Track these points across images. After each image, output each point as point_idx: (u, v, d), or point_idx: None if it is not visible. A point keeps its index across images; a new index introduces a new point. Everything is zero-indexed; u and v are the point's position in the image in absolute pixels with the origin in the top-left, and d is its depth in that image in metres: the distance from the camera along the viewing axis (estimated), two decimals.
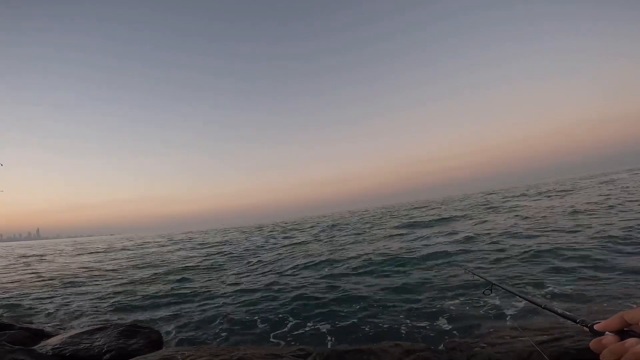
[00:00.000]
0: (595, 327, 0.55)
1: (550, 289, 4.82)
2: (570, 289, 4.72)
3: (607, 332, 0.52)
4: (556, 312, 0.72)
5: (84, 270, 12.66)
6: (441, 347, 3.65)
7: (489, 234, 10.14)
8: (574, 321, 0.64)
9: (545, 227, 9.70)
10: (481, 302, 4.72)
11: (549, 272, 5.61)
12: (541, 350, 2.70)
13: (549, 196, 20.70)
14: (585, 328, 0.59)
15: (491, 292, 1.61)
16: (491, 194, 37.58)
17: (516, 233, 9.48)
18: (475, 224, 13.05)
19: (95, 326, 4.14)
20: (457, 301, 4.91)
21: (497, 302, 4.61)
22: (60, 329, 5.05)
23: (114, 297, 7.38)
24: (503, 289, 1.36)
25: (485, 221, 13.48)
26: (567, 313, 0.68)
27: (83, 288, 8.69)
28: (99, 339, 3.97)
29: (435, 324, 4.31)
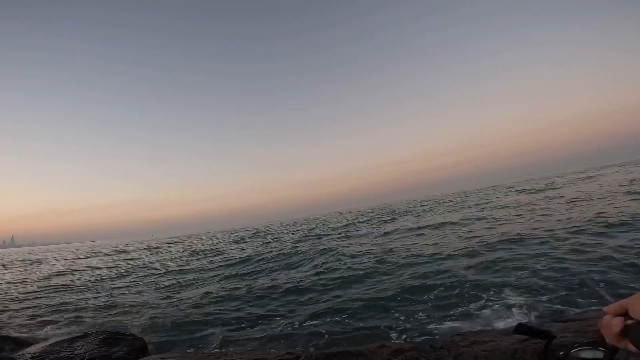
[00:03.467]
0: (604, 308, 0.69)
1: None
2: None
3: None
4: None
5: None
6: (428, 346, 3.67)
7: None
8: None
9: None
10: (467, 301, 4.77)
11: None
12: (523, 348, 2.73)
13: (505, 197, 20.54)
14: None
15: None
16: (459, 193, 37.21)
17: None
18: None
19: (77, 334, 4.03)
20: (442, 301, 4.94)
21: (483, 301, 4.66)
22: (41, 337, 4.89)
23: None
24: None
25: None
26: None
27: (67, 296, 8.44)
28: (80, 347, 3.86)
29: (421, 323, 4.33)
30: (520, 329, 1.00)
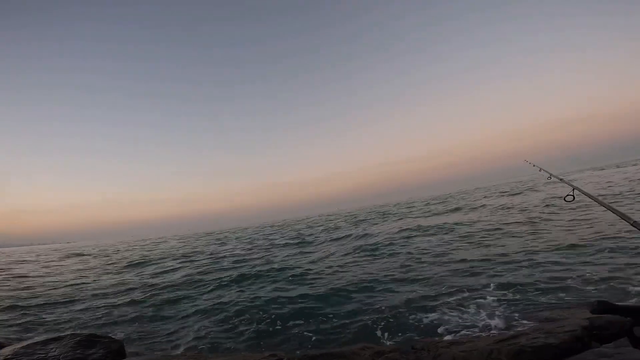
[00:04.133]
0: None
1: None
2: None
3: None
4: None
5: None
6: (410, 348, 3.71)
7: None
8: None
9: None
10: (447, 301, 4.86)
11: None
12: (499, 349, 2.80)
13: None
14: None
15: (574, 198, 1.48)
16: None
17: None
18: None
19: (50, 336, 3.89)
20: (422, 302, 5.02)
21: (462, 302, 4.76)
22: (13, 339, 4.70)
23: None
24: (587, 194, 1.22)
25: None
26: None
27: (39, 299, 8.12)
28: (54, 349, 3.72)
29: (402, 325, 4.39)
30: (599, 307, 0.70)
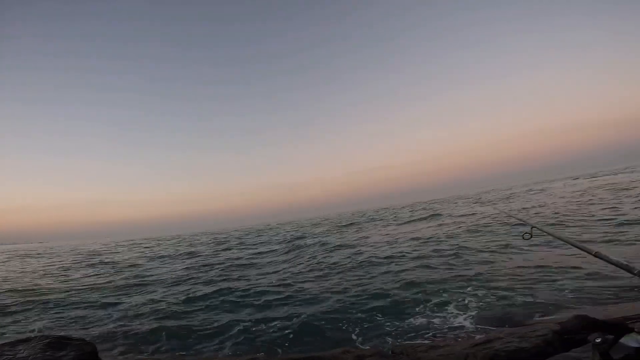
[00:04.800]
0: None
1: None
2: None
3: None
4: (609, 261, 0.65)
5: None
6: (389, 352, 3.74)
7: None
8: (631, 272, 0.56)
9: None
10: (426, 307, 4.92)
11: None
12: (474, 353, 2.84)
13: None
14: None
15: (531, 237, 1.49)
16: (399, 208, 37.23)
17: None
18: None
19: (19, 337, 3.73)
20: (402, 306, 5.06)
21: (440, 306, 4.83)
22: None
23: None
24: (545, 232, 1.22)
25: None
26: (623, 262, 0.60)
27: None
28: (22, 351, 3.57)
29: (382, 329, 4.41)
30: (575, 323, 0.60)
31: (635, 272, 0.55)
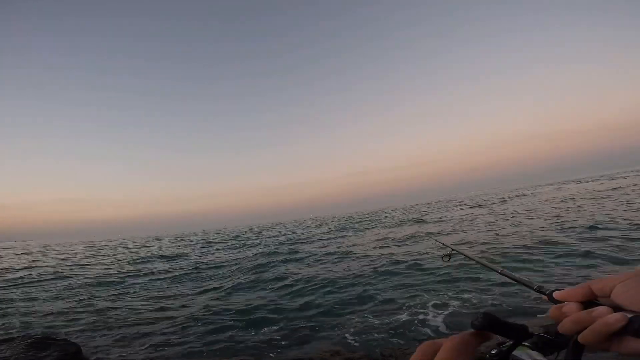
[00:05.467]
0: (555, 295, 0.48)
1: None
2: None
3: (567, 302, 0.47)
4: (513, 278, 0.68)
5: None
6: (379, 354, 3.71)
7: None
8: (531, 288, 0.58)
9: None
10: (414, 308, 4.89)
11: None
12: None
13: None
14: (543, 296, 0.52)
15: (450, 259, 1.54)
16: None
17: None
18: None
19: (0, 337, 3.66)
20: (391, 307, 5.03)
21: (430, 308, 4.81)
22: None
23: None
24: (464, 254, 1.28)
25: None
26: (525, 279, 0.63)
27: None
28: (4, 351, 3.51)
29: (371, 331, 4.37)
30: (483, 321, 0.50)
31: (534, 287, 0.58)
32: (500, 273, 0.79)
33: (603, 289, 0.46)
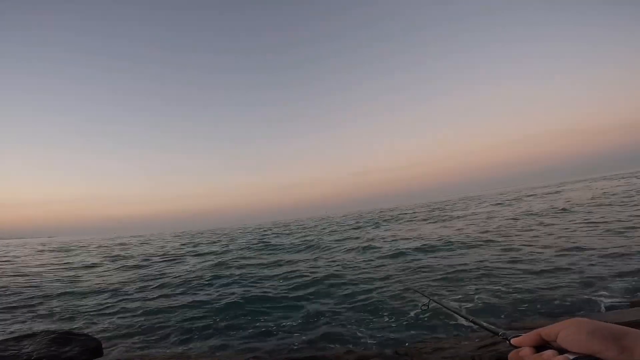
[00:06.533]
0: (512, 341, 0.57)
1: None
2: None
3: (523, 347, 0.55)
4: (481, 325, 0.79)
5: None
6: (394, 353, 3.71)
7: None
8: (496, 334, 0.68)
9: None
10: (429, 311, 4.88)
11: None
12: (480, 355, 2.81)
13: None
14: (506, 341, 0.60)
15: (428, 307, 1.65)
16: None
17: None
18: None
19: (24, 333, 3.76)
20: (405, 308, 5.03)
21: (446, 311, 4.78)
22: None
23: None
24: (440, 304, 1.37)
25: None
26: (491, 326, 0.74)
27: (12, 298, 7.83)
28: (27, 346, 3.60)
29: (385, 331, 4.39)
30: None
31: (499, 333, 0.65)
32: (470, 322, 0.91)
33: (550, 335, 0.54)
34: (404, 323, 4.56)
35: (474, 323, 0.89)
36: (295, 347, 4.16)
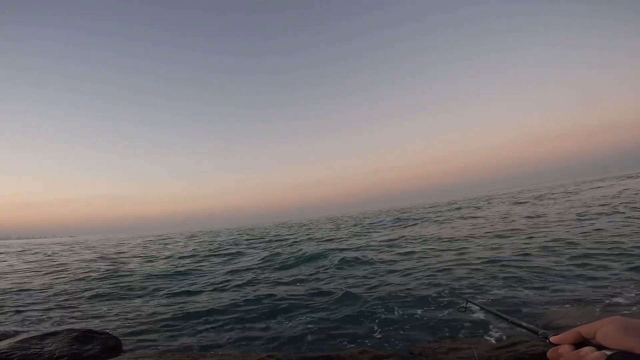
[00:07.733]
0: (551, 339, 0.60)
1: None
2: None
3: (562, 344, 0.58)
4: (521, 325, 0.79)
5: None
6: (408, 353, 3.70)
7: None
8: (536, 333, 0.70)
9: None
10: (445, 311, 4.83)
11: None
12: (497, 356, 2.79)
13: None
14: (547, 340, 0.63)
15: (465, 310, 1.66)
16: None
17: None
18: None
19: (47, 331, 3.87)
20: (422, 309, 5.00)
21: (462, 311, 4.73)
22: (9, 333, 4.68)
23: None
24: (478, 306, 1.40)
25: None
26: (530, 326, 0.75)
27: (36, 295, 8.09)
28: (50, 344, 3.71)
29: (401, 330, 4.37)
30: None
31: (539, 333, 0.67)
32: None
33: (589, 333, 0.56)
34: (421, 322, 4.54)
35: (513, 323, 0.91)
36: (308, 344, 4.18)
